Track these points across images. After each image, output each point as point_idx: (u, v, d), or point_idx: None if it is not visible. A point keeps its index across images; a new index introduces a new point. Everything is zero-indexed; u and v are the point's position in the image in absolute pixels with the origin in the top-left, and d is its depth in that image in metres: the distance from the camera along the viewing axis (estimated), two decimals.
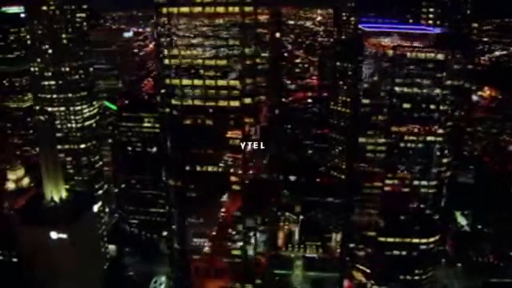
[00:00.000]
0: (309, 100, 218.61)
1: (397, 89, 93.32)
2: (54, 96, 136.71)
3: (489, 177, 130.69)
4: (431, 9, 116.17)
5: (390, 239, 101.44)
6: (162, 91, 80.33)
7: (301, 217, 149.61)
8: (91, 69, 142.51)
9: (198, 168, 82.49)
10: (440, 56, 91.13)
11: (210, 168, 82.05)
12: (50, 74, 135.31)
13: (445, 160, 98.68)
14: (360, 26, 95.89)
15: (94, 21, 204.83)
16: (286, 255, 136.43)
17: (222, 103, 78.40)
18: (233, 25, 75.28)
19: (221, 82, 77.38)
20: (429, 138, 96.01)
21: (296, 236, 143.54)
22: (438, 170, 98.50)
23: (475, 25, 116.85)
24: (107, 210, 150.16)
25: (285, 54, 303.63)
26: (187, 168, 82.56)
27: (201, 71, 77.70)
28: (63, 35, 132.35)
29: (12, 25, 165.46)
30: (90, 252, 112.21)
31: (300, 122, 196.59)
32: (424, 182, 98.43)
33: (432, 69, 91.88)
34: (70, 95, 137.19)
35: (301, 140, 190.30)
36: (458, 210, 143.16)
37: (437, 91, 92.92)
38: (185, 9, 75.32)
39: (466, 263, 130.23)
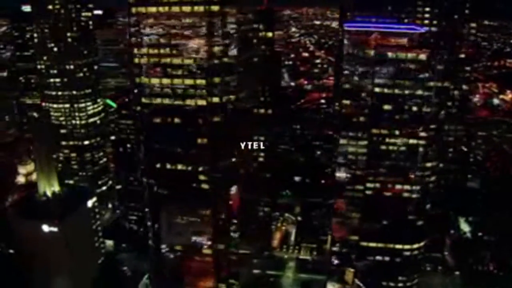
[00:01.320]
0: (322, 101, 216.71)
1: (377, 89, 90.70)
2: (59, 93, 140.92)
3: (490, 183, 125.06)
4: (427, 9, 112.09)
5: (372, 244, 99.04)
6: (135, 90, 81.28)
7: (299, 218, 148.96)
8: (95, 67, 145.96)
9: (168, 166, 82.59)
10: (422, 56, 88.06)
11: (179, 166, 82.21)
12: (55, 71, 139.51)
13: (429, 164, 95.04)
14: (344, 25, 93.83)
15: (111, 20, 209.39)
16: (280, 256, 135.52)
17: (189, 102, 78.41)
18: (201, 24, 74.95)
19: (188, 81, 77.55)
20: (411, 141, 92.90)
21: (292, 237, 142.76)
22: (422, 174, 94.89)
23: (473, 25, 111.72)
24: (110, 206, 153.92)
25: (306, 54, 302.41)
26: (158, 165, 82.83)
27: (169, 70, 78.07)
28: (68, 34, 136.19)
29: (29, 23, 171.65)
30: (83, 246, 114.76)
31: (310, 123, 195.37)
32: (407, 187, 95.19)
33: (414, 70, 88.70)
34: (74, 92, 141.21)
35: (310, 141, 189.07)
36: (461, 216, 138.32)
37: (420, 92, 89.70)
38: (152, 9, 75.88)
39: (465, 271, 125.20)
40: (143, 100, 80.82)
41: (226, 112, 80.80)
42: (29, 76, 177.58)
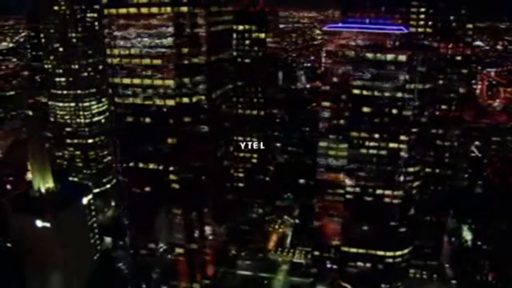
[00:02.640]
0: None
1: (356, 91, 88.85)
2: (65, 92, 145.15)
3: (489, 190, 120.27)
4: (422, 9, 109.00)
5: (353, 250, 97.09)
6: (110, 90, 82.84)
7: (296, 221, 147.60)
8: (100, 66, 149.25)
9: (140, 165, 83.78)
10: (402, 57, 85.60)
11: (151, 165, 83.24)
12: (61, 71, 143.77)
13: (411, 169, 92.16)
14: (324, 27, 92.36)
15: None
16: (274, 258, 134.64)
17: (159, 102, 79.29)
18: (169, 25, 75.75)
19: (156, 82, 78.43)
20: (392, 144, 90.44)
21: (288, 240, 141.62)
22: (404, 179, 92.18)
23: (470, 26, 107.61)
24: (113, 203, 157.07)
25: None
26: (131, 164, 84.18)
27: (139, 70, 79.19)
28: (73, 34, 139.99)
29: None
30: (77, 242, 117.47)
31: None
32: (388, 192, 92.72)
33: (393, 71, 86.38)
34: (79, 91, 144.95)
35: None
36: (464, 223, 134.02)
37: (399, 94, 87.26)
38: (123, 10, 77.22)
39: (462, 281, 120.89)
40: (116, 99, 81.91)
41: (199, 112, 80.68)
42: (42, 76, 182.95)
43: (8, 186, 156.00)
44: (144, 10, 76.35)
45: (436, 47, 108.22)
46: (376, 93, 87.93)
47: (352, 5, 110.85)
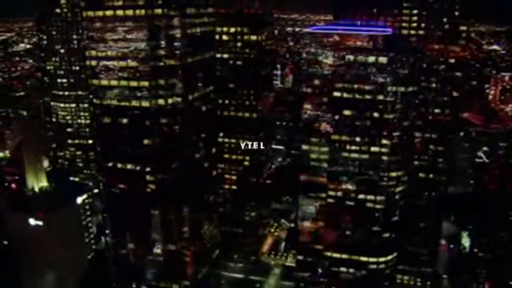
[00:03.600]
0: None
1: (337, 94, 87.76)
2: (66, 93, 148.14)
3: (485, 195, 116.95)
4: (415, 11, 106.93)
5: (336, 255, 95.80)
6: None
7: (291, 225, 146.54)
8: None
9: (119, 166, 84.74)
10: (382, 60, 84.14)
11: (129, 166, 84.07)
12: (62, 72, 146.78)
13: (394, 174, 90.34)
14: (306, 29, 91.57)
15: None
16: (267, 262, 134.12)
17: (135, 103, 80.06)
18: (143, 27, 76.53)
19: (132, 83, 79.24)
20: (373, 148, 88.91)
21: (283, 244, 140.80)
22: (387, 184, 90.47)
23: (464, 28, 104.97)
24: None
25: None
26: (110, 164, 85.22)
27: (116, 72, 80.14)
28: (74, 36, 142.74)
29: None
30: (71, 241, 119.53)
31: None
32: (370, 196, 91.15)
33: (374, 74, 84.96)
34: (80, 92, 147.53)
35: None
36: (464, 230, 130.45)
37: (381, 97, 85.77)
38: (99, 13, 78.36)
39: None
40: (95, 101, 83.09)
41: (175, 114, 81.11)
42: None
43: (13, 185, 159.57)
44: (119, 12, 77.15)
45: (427, 49, 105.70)
46: (357, 96, 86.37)
47: (345, 8, 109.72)
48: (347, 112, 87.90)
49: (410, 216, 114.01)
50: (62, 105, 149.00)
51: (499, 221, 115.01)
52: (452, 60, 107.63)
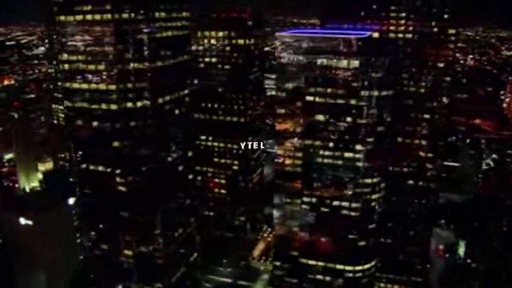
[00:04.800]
0: None
1: (310, 98, 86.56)
2: None
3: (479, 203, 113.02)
4: (402, 14, 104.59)
5: (312, 262, 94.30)
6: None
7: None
8: None
9: (91, 167, 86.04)
10: (354, 63, 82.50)
11: (100, 168, 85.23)
12: (59, 75, 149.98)
13: (369, 181, 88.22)
14: (277, 33, 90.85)
15: None
16: (257, 267, 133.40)
17: (104, 106, 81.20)
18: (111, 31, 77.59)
19: (101, 86, 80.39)
20: (347, 154, 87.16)
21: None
22: (361, 191, 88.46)
23: (452, 31, 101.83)
24: None
25: None
26: (83, 166, 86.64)
27: (86, 75, 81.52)
28: None
29: None
30: (62, 241, 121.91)
31: None
32: (345, 203, 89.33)
33: (346, 78, 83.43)
34: None
35: None
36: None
37: (353, 101, 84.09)
38: (70, 18, 79.96)
39: None
40: (67, 103, 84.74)
41: (144, 117, 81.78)
42: None
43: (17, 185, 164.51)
44: (89, 17, 78.30)
45: (416, 53, 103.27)
46: (329, 100, 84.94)
47: (332, 11, 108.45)
48: (319, 117, 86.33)
49: (400, 224, 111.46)
50: (61, 107, 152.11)
51: (492, 230, 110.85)
52: (441, 64, 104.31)
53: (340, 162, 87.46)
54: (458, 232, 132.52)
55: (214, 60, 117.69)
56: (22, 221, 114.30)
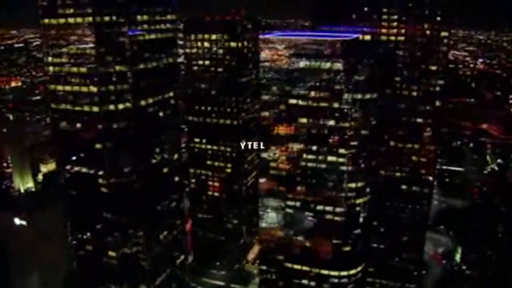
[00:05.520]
0: None
1: (293, 101, 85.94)
2: None
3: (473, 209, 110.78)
4: (394, 17, 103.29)
5: (297, 267, 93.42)
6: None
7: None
8: None
9: (75, 169, 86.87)
10: (337, 66, 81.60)
11: (83, 170, 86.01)
12: None
13: (353, 185, 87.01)
14: (260, 35, 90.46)
15: None
16: (251, 270, 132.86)
17: (87, 108, 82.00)
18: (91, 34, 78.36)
19: (83, 89, 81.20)
20: (330, 158, 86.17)
21: None
22: (345, 195, 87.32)
23: (445, 34, 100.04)
24: None
25: None
26: (67, 167, 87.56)
27: (69, 78, 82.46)
28: None
29: None
30: (56, 241, 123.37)
31: None
32: (328, 208, 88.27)
33: (328, 80, 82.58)
34: None
35: None
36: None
37: (336, 105, 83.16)
38: (53, 21, 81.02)
39: None
40: (53, 105, 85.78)
41: (126, 119, 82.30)
42: None
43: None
44: (71, 20, 79.16)
45: (408, 55, 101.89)
46: (311, 103, 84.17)
47: (324, 14, 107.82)
48: (303, 120, 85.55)
49: (393, 229, 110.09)
50: None
51: (487, 237, 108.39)
52: (434, 67, 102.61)
53: (323, 166, 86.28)
54: (457, 238, 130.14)
55: (207, 63, 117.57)
56: (17, 221, 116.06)
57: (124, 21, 79.59)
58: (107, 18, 78.17)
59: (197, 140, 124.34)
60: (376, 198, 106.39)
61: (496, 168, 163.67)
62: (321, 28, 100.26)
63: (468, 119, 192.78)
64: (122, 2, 79.20)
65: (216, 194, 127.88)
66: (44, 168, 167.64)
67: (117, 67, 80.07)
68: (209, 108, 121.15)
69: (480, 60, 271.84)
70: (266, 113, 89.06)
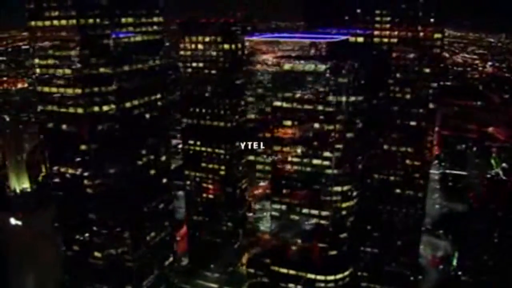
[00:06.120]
0: None
1: (277, 103, 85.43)
2: None
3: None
4: (387, 18, 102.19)
5: (283, 270, 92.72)
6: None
7: None
8: None
9: (62, 170, 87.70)
10: (320, 68, 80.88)
11: (70, 171, 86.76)
12: None
13: (339, 188, 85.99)
14: (246, 37, 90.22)
15: None
16: (244, 272, 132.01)
17: (72, 110, 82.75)
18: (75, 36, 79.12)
19: (68, 90, 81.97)
20: (315, 161, 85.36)
21: None
22: (331, 199, 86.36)
23: (438, 36, 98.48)
24: None
25: None
26: (55, 168, 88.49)
27: (54, 80, 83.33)
28: None
29: None
30: (50, 241, 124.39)
31: None
32: (314, 211, 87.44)
33: (312, 83, 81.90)
34: None
35: None
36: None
37: (320, 107, 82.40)
38: (39, 23, 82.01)
39: None
40: (40, 107, 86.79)
41: (110, 121, 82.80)
42: None
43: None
44: (55, 22, 79.99)
45: (401, 58, 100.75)
46: (296, 106, 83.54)
47: (316, 16, 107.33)
48: (287, 123, 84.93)
49: (387, 234, 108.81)
50: None
51: (483, 242, 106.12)
52: (427, 70, 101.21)
53: (308, 169, 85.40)
54: (456, 243, 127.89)
55: (201, 65, 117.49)
56: (13, 221, 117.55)
57: (108, 23, 79.75)
58: (91, 21, 78.67)
59: (191, 142, 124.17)
60: (370, 201, 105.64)
61: (500, 172, 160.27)
62: (314, 30, 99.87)
63: (474, 122, 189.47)
64: (106, 4, 79.52)
65: (210, 196, 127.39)
66: (45, 169, 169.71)
67: (101, 69, 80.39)
68: (203, 110, 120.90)
69: (490, 63, 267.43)
70: (252, 116, 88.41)
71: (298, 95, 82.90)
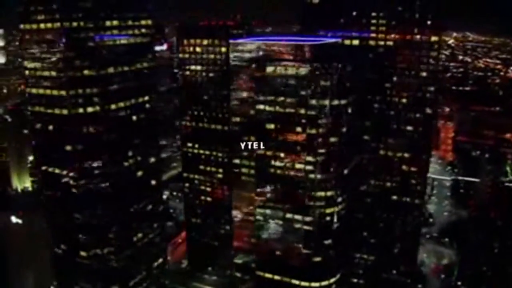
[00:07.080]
0: None
1: (260, 107, 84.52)
2: None
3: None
4: (383, 21, 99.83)
5: (268, 275, 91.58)
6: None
7: None
8: None
9: (49, 170, 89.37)
10: (302, 71, 79.51)
11: (56, 171, 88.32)
12: None
13: (323, 194, 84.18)
14: (230, 40, 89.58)
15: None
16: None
17: (58, 111, 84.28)
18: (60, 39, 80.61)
19: (54, 92, 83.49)
20: (298, 165, 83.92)
21: None
22: (314, 204, 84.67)
23: (436, 39, 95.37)
24: None
25: None
26: (43, 168, 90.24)
27: (41, 81, 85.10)
28: None
29: None
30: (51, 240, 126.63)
31: None
32: (298, 217, 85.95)
33: (295, 86, 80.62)
34: None
35: None
36: None
37: (302, 111, 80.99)
38: (27, 26, 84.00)
39: None
40: (30, 108, 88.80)
41: (97, 122, 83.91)
42: None
43: None
44: (42, 25, 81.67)
45: (397, 61, 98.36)
46: (278, 109, 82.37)
47: (312, 19, 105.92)
48: (270, 126, 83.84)
49: (383, 241, 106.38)
50: None
51: (482, 252, 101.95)
52: (424, 74, 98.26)
53: (292, 173, 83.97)
54: (460, 251, 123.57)
55: (199, 68, 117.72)
56: (13, 219, 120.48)
57: (92, 26, 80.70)
58: (75, 24, 79.79)
59: (189, 144, 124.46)
60: (366, 208, 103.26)
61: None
62: (309, 33, 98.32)
63: (491, 128, 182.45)
64: (91, 7, 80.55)
65: (209, 199, 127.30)
66: None
67: (85, 71, 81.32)
68: (201, 113, 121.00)
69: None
70: (237, 119, 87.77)
71: (280, 99, 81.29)
